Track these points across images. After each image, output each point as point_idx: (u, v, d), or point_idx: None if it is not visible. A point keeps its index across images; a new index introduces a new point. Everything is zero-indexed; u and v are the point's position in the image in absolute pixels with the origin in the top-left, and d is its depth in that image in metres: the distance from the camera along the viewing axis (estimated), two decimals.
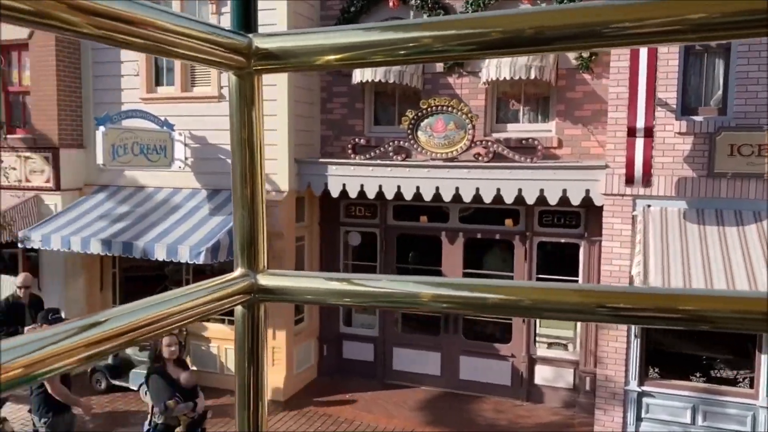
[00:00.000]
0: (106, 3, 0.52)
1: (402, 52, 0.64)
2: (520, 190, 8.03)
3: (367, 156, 8.80)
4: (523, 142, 8.34)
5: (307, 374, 9.72)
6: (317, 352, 9.97)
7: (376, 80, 8.66)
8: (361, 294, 0.74)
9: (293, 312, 9.29)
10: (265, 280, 0.78)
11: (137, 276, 10.23)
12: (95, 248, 8.38)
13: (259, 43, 0.70)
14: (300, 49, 0.69)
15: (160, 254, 7.96)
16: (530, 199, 8.03)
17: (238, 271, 0.79)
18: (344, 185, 8.85)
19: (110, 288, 10.20)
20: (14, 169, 9.62)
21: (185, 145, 9.24)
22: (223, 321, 9.25)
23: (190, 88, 9.34)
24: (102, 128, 8.07)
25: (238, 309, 0.78)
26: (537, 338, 9.09)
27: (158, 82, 9.61)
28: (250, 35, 0.71)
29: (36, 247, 8.74)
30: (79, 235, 8.54)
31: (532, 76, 8.00)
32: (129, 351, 9.32)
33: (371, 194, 8.73)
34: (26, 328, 6.42)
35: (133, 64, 9.48)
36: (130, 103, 9.48)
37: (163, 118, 9.02)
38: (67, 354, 0.53)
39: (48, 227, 8.84)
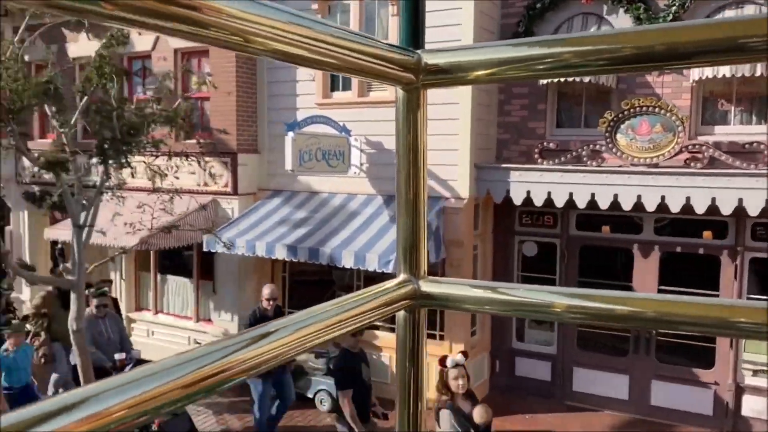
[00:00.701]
0: (283, 21, 0.55)
1: (559, 65, 0.67)
2: (740, 200, 7.16)
3: (556, 161, 8.23)
4: (746, 146, 7.45)
5: (480, 390, 9.25)
6: (489, 367, 9.49)
7: (562, 80, 8.10)
8: (521, 304, 0.77)
9: (470, 324, 8.88)
10: (426, 286, 0.81)
11: (305, 280, 10.22)
12: (280, 253, 8.37)
13: (428, 58, 0.75)
14: (468, 64, 0.73)
15: (347, 261, 7.80)
16: (753, 209, 7.14)
17: (401, 277, 0.82)
18: (528, 192, 8.33)
19: (280, 292, 10.24)
20: (193, 173, 9.88)
21: (361, 150, 9.08)
22: (393, 329, 8.98)
23: (366, 92, 9.17)
24: (291, 134, 8.04)
25: (400, 313, 0.81)
26: (742, 364, 8.13)
27: (333, 87, 9.54)
28: (419, 51, 0.75)
29: (219, 251, 8.86)
30: (264, 240, 8.57)
31: (758, 73, 7.13)
32: (303, 357, 9.29)
33: (560, 202, 8.15)
34: None
35: (309, 69, 9.44)
36: (305, 108, 9.46)
37: (341, 124, 8.91)
38: (239, 363, 0.53)
39: (231, 231, 8.96)
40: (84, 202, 7.44)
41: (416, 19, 0.78)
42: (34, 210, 12.19)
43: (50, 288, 8.39)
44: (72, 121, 7.17)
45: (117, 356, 6.96)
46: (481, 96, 8.72)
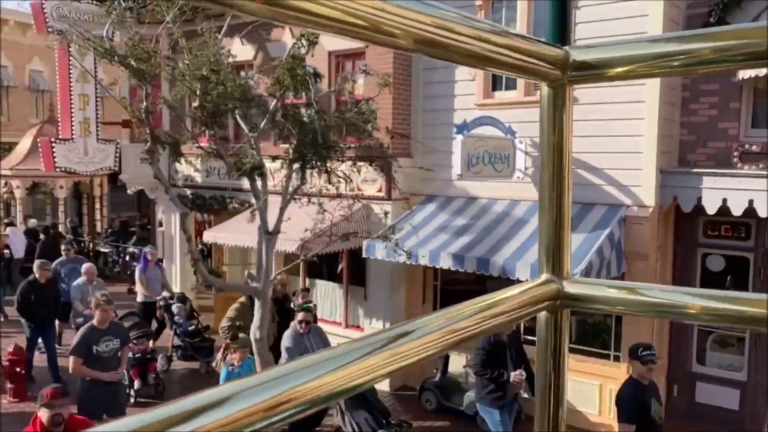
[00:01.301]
0: (437, 17, 0.55)
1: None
2: None
3: (761, 165, 7.30)
4: None
5: None
6: (666, 391, 8.63)
7: (760, 75, 7.17)
8: (656, 305, 0.79)
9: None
10: (571, 287, 0.81)
11: (457, 289, 9.77)
12: (445, 262, 7.97)
13: (576, 55, 0.74)
14: (617, 60, 0.73)
15: (522, 274, 7.27)
16: None
17: (543, 277, 0.83)
18: (725, 200, 7.44)
19: (431, 301, 9.87)
20: (349, 180, 9.71)
21: (526, 153, 8.51)
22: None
23: (533, 91, 8.60)
24: (460, 136, 7.63)
25: (542, 314, 0.81)
26: None
27: (495, 87, 9.04)
28: (566, 47, 0.74)
29: (380, 257, 8.60)
30: (426, 248, 8.21)
31: None
32: (454, 372, 8.86)
33: (763, 211, 7.21)
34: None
35: (469, 68, 9.01)
36: (463, 110, 9.01)
37: (507, 125, 8.39)
38: (375, 367, 0.53)
39: (390, 237, 8.66)
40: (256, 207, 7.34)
41: (563, 15, 0.83)
42: (186, 212, 12.56)
43: (243, 299, 8.36)
44: (261, 125, 7.09)
45: None
46: (667, 93, 7.92)
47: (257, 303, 6.90)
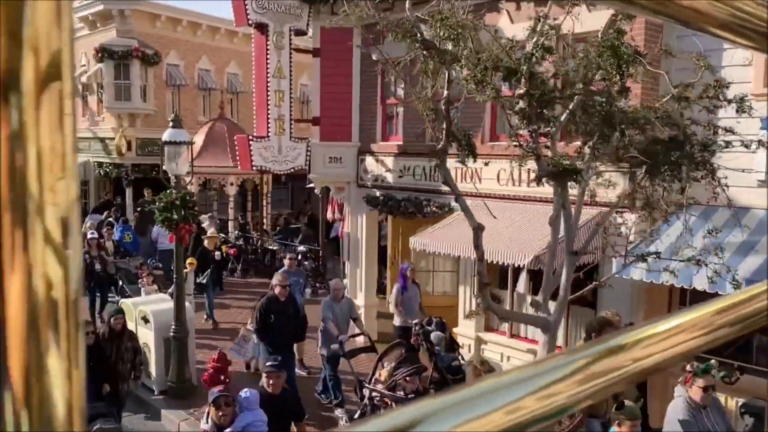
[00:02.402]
0: None
1: None
2: None
3: None
4: None
5: None
6: None
7: None
8: None
9: None
10: None
11: None
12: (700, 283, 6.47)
13: None
14: None
15: None
16: None
17: None
18: None
19: None
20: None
21: None
22: None
23: None
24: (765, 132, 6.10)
25: None
26: None
27: None
28: None
29: (636, 278, 7.25)
30: (701, 270, 6.74)
31: None
32: None
33: None
34: None
35: (745, 52, 7.40)
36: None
37: None
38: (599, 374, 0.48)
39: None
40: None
41: None
42: (373, 214, 11.86)
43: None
44: (562, 118, 5.96)
45: None
46: None
47: (542, 338, 5.81)
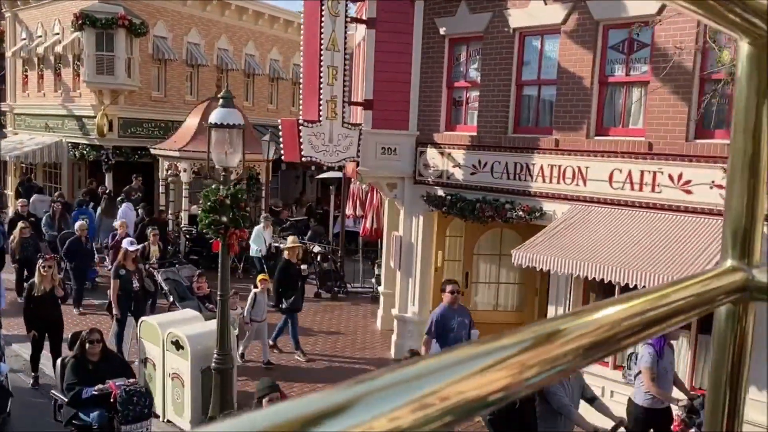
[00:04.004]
0: None
1: None
2: None
3: None
4: None
5: None
6: None
7: None
8: None
9: None
10: (763, 275, 0.70)
11: None
12: None
13: None
14: None
15: None
16: None
17: (727, 264, 0.73)
18: None
19: None
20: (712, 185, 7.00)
21: None
22: None
23: None
24: None
25: (723, 308, 0.72)
26: None
27: None
28: None
29: None
30: None
31: None
32: None
33: None
34: None
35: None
36: None
37: None
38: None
39: None
40: None
41: None
42: (431, 215, 10.21)
43: None
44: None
45: None
46: None
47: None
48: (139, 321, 8.25)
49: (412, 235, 10.25)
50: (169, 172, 17.55)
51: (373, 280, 14.21)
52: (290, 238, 10.11)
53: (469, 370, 0.41)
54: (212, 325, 8.00)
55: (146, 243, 12.63)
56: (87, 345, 6.54)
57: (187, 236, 16.53)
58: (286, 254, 10.01)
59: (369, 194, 14.40)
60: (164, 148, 17.44)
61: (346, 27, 9.17)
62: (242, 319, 8.83)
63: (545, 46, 8.75)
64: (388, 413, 0.35)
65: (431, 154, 9.87)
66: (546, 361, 0.47)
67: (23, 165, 22.07)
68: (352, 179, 12.38)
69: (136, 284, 8.85)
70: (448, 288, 7.29)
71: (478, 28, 9.19)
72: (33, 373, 8.79)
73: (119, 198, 17.03)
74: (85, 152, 19.59)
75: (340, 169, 15.52)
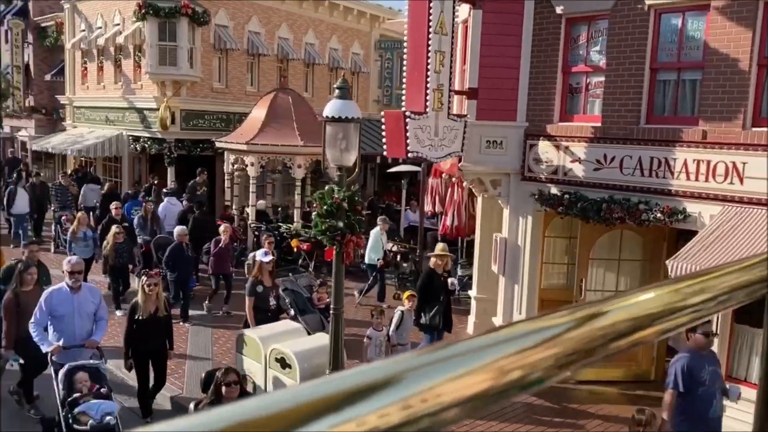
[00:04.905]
0: None
1: None
2: None
3: None
4: None
5: None
6: None
7: None
8: None
9: None
10: None
11: None
12: None
13: None
14: None
15: None
16: None
17: None
18: None
19: None
20: None
21: None
22: None
23: None
24: None
25: None
26: None
27: None
28: None
29: None
30: None
31: None
32: None
33: None
34: None
35: None
36: None
37: None
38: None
39: None
40: None
41: None
42: (539, 214, 9.25)
43: None
44: None
45: None
46: None
47: None
48: (238, 333, 7.54)
49: (519, 236, 9.31)
50: (235, 166, 16.93)
51: (454, 281, 13.20)
52: (439, 245, 8.90)
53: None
54: (319, 339, 7.24)
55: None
56: (224, 388, 5.48)
57: (256, 233, 15.88)
58: (431, 262, 8.70)
59: (450, 189, 13.48)
60: (230, 141, 16.81)
61: (454, 7, 8.25)
62: (388, 344, 7.63)
63: (687, 25, 7.68)
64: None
65: (543, 148, 8.90)
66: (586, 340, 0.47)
67: (83, 159, 21.83)
68: (444, 176, 11.46)
69: (272, 302, 7.97)
70: (701, 329, 5.53)
71: (605, 6, 8.16)
72: (145, 419, 7.25)
73: (166, 190, 16.44)
74: (146, 145, 19.14)
75: (416, 163, 14.58)
